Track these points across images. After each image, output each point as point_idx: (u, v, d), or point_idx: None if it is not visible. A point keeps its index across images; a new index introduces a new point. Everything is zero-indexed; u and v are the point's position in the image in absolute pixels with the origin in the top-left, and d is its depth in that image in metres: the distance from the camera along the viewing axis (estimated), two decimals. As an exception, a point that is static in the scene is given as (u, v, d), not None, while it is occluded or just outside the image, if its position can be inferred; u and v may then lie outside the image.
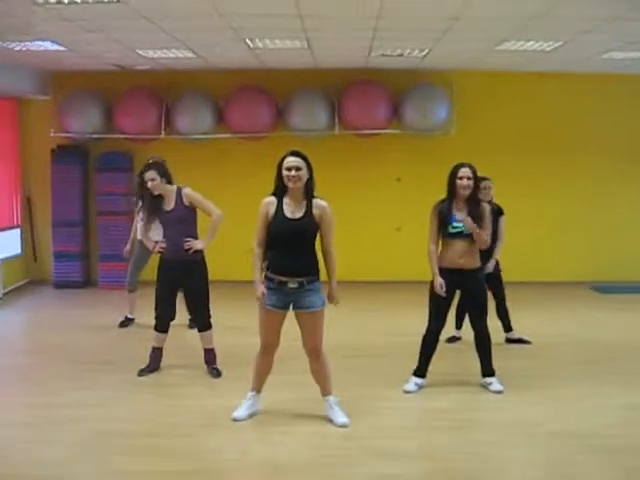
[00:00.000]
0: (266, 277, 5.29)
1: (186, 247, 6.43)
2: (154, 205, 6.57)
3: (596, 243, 11.31)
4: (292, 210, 5.23)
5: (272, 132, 10.72)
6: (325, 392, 5.53)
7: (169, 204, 6.54)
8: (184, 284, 6.64)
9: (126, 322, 8.68)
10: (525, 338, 7.79)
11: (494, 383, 6.25)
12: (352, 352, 7.39)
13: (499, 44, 8.75)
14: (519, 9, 6.95)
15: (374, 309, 9.72)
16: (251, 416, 5.54)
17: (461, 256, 6.09)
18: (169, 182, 6.64)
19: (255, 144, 10.97)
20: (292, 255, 5.20)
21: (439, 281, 6.07)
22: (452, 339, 7.75)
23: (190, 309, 7.14)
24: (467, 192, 6.08)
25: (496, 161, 10.11)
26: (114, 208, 11.01)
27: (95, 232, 11.29)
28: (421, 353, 6.28)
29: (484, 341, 6.28)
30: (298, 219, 5.20)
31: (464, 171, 6.07)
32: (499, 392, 6.16)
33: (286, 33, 8.14)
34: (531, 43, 8.66)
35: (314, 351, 5.38)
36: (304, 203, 5.25)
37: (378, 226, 11.34)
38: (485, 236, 6.10)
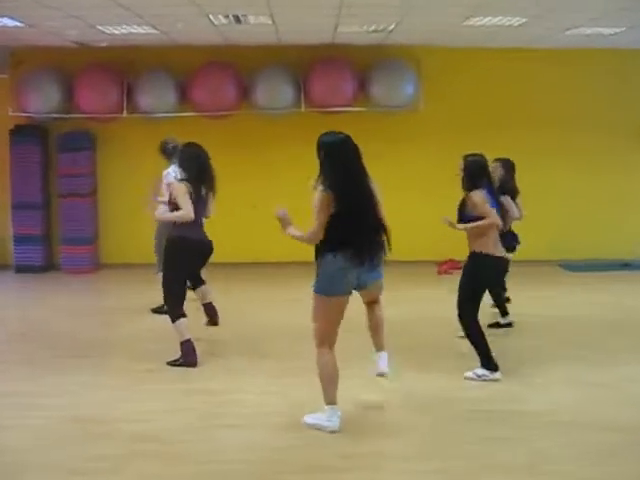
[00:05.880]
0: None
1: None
2: None
3: (563, 221, 11.33)
4: None
5: (237, 110, 10.69)
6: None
7: None
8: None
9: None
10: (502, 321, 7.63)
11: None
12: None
13: (466, 19, 8.77)
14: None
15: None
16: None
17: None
18: None
19: (220, 122, 10.92)
20: None
21: None
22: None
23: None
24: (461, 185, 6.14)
25: (464, 137, 10.14)
26: (76, 189, 10.90)
27: (57, 214, 11.20)
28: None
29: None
30: None
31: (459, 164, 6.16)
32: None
33: (250, 9, 8.08)
34: (499, 18, 8.69)
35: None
36: None
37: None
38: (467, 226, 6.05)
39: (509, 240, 7.13)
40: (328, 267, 4.85)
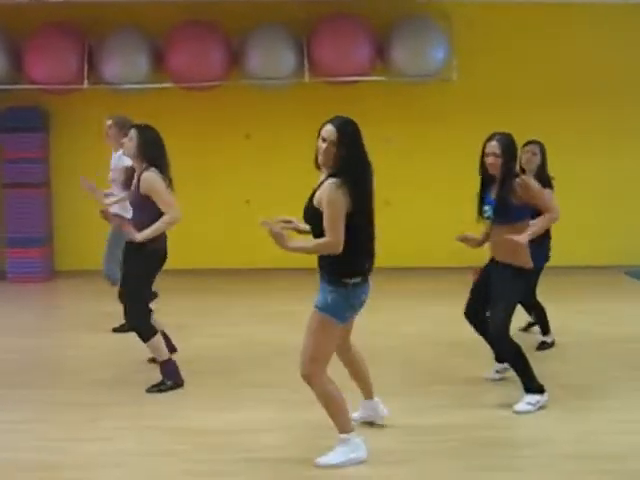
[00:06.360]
0: None
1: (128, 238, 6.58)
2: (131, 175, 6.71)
3: (631, 219, 11.18)
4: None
5: (225, 81, 10.59)
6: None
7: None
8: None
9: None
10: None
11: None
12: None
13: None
14: None
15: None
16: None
17: (494, 246, 6.14)
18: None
19: (204, 96, 10.82)
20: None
21: None
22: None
23: None
24: (496, 172, 6.04)
25: (508, 113, 10.12)
26: (25, 179, 10.82)
27: (2, 210, 11.12)
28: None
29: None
30: (307, 202, 5.09)
31: (490, 146, 6.02)
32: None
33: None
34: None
35: (300, 366, 5.00)
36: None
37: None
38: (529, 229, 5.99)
39: (539, 257, 6.83)
40: (346, 294, 4.98)
